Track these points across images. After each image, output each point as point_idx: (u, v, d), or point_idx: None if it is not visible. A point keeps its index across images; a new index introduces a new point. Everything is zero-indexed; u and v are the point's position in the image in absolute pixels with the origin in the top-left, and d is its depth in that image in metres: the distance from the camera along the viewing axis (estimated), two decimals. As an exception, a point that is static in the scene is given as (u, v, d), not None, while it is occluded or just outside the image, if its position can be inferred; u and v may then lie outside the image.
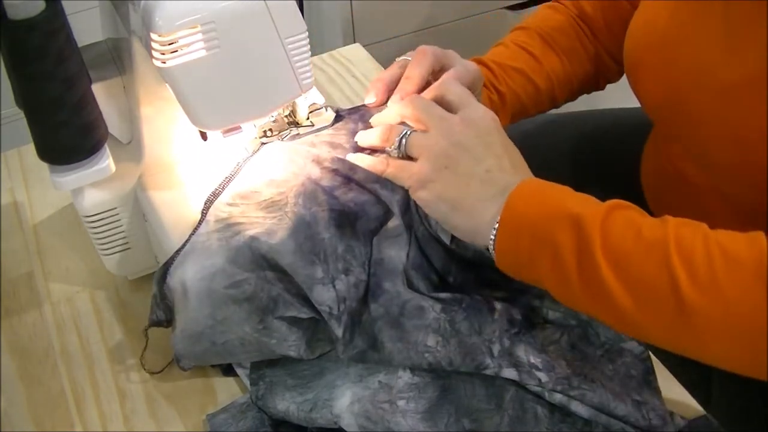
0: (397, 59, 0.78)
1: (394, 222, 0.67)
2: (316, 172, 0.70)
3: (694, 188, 0.80)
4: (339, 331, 0.62)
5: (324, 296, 0.63)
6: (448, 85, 0.71)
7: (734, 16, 0.66)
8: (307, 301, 0.64)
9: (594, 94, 1.01)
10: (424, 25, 1.68)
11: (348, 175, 0.69)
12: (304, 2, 1.74)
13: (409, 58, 0.76)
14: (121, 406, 0.69)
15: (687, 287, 0.54)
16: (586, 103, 1.15)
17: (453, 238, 0.68)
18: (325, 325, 0.64)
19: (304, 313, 0.64)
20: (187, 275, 0.64)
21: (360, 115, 0.76)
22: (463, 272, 0.70)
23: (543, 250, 0.60)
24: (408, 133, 0.68)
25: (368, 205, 0.66)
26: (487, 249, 0.64)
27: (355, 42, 1.61)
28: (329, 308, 0.62)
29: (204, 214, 0.68)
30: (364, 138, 0.72)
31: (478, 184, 0.64)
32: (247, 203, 0.68)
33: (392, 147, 0.68)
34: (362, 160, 0.70)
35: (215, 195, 0.69)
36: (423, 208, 0.67)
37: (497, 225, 0.62)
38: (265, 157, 0.72)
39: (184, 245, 0.66)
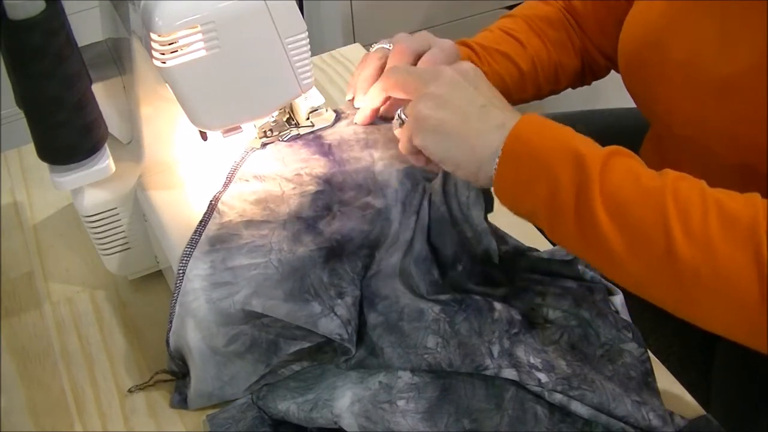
0: (374, 47, 0.77)
1: (394, 226, 0.67)
2: (295, 202, 0.67)
3: None
4: (354, 350, 0.64)
5: (330, 327, 0.63)
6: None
7: (729, 14, 0.67)
8: (308, 332, 0.64)
9: (594, 94, 1.01)
10: (424, 25, 1.68)
11: (335, 196, 0.67)
12: (304, 2, 1.74)
13: (386, 46, 0.76)
14: (121, 406, 0.69)
15: (679, 237, 0.55)
16: (585, 103, 1.15)
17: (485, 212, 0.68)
18: (330, 341, 0.64)
19: (308, 343, 0.65)
20: (189, 336, 0.64)
21: (314, 137, 0.74)
22: (472, 263, 0.70)
23: (542, 180, 0.60)
24: (403, 107, 0.68)
25: (354, 232, 0.66)
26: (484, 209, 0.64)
27: (355, 42, 1.61)
28: (339, 335, 0.63)
29: (181, 275, 0.64)
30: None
31: (476, 118, 0.63)
32: (228, 248, 0.65)
33: (396, 122, 0.68)
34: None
35: (192, 245, 0.65)
36: (427, 153, 0.65)
37: (499, 155, 0.61)
38: (238, 191, 0.69)
39: (173, 308, 0.64)
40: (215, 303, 0.63)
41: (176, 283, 0.64)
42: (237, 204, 0.68)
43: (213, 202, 0.68)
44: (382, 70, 0.75)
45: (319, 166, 0.70)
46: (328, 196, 0.68)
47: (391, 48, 0.76)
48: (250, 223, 0.66)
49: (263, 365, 0.65)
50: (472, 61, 0.84)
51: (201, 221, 0.67)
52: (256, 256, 0.64)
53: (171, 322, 0.65)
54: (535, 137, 0.61)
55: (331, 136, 0.73)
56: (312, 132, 0.74)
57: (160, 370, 0.69)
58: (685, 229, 0.55)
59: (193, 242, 0.65)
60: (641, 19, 0.78)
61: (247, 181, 0.69)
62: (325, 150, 0.72)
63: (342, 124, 0.75)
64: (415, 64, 0.74)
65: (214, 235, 0.66)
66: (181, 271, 0.64)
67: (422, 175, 0.71)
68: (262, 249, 0.65)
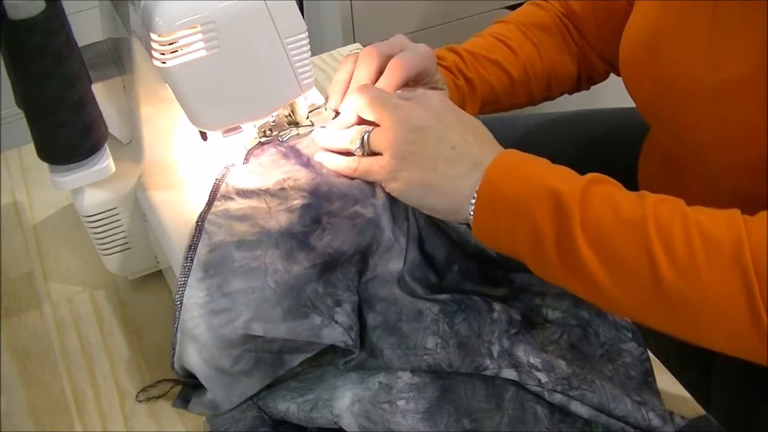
0: (348, 54, 0.76)
1: (386, 234, 0.67)
2: (284, 217, 0.66)
3: (688, 184, 0.80)
4: (358, 351, 0.64)
5: (333, 335, 0.63)
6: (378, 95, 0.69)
7: (721, 19, 0.66)
8: (311, 342, 0.64)
9: (594, 94, 1.00)
10: (424, 25, 1.67)
11: (322, 207, 0.67)
12: (304, 2, 1.74)
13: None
14: (121, 406, 0.69)
15: (665, 267, 0.55)
16: (585, 102, 1.15)
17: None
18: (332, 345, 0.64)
19: (313, 352, 0.65)
20: (192, 361, 0.64)
21: (290, 148, 0.73)
22: (467, 261, 0.70)
23: (521, 225, 0.60)
24: (370, 130, 0.68)
25: (346, 244, 0.65)
26: (469, 225, 0.64)
27: (355, 42, 1.61)
28: (344, 342, 0.63)
29: (179, 305, 0.64)
30: (327, 140, 0.71)
31: (446, 163, 0.64)
32: (222, 272, 0.64)
33: (356, 147, 0.68)
34: (332, 161, 0.69)
35: (186, 273, 0.64)
36: (399, 198, 0.67)
37: (474, 200, 0.62)
38: (223, 209, 0.68)
39: (175, 336, 0.64)
40: (216, 330, 0.63)
41: (175, 314, 0.64)
42: (224, 222, 0.67)
43: (199, 223, 0.67)
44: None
45: (301, 176, 0.69)
46: (316, 208, 0.67)
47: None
48: (241, 244, 0.65)
49: (269, 381, 0.66)
50: (458, 68, 0.83)
51: (190, 245, 0.66)
52: (252, 280, 0.64)
53: (174, 348, 0.65)
54: (508, 183, 0.61)
55: (307, 149, 0.72)
56: (284, 142, 0.73)
57: (180, 379, 0.68)
58: (670, 259, 0.55)
59: (185, 270, 0.64)
60: (640, 22, 0.78)
61: (231, 198, 0.68)
62: (304, 161, 0.71)
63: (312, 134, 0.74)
64: (384, 65, 0.73)
65: (206, 260, 0.65)
66: (178, 302, 0.64)
67: None
68: (257, 271, 0.64)
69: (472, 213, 0.62)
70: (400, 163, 0.65)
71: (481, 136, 0.66)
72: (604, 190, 0.59)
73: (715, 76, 0.66)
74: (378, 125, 0.68)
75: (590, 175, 0.60)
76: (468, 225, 0.65)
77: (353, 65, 0.74)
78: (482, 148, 0.65)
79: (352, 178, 0.69)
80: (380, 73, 0.73)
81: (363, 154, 0.68)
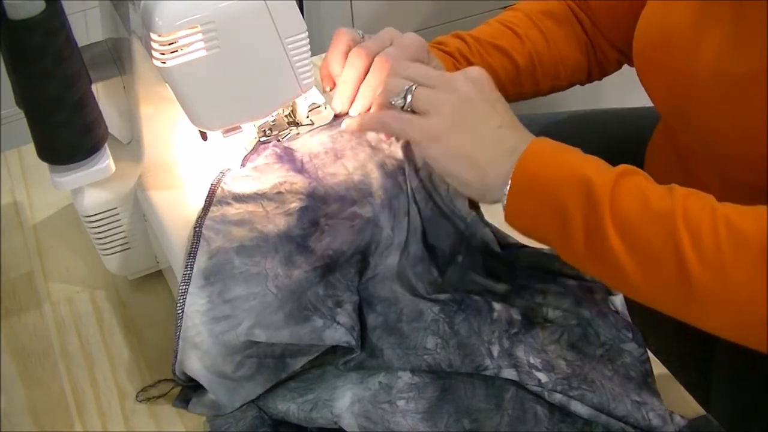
0: (350, 30, 0.74)
1: (385, 232, 0.67)
2: (282, 221, 0.66)
3: (699, 176, 0.80)
4: (360, 351, 0.64)
5: (336, 336, 0.63)
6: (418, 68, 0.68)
7: (745, 15, 0.67)
8: (311, 345, 0.64)
9: (597, 93, 1.00)
10: (424, 25, 1.67)
11: (320, 210, 0.67)
12: (304, 2, 1.74)
13: (359, 32, 0.74)
14: (121, 406, 0.69)
15: (692, 260, 0.55)
16: (587, 102, 1.15)
17: (470, 205, 0.68)
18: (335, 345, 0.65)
19: (315, 353, 0.65)
20: (195, 367, 0.64)
21: (284, 150, 0.72)
22: (471, 253, 0.70)
23: (552, 211, 0.60)
24: (414, 87, 0.65)
25: (345, 245, 0.65)
26: (478, 215, 0.64)
27: (355, 42, 1.61)
28: (347, 342, 0.63)
29: (180, 314, 0.64)
30: (357, 78, 0.70)
31: (491, 141, 0.63)
32: (223, 279, 0.64)
33: (398, 98, 0.65)
34: (363, 118, 0.68)
35: (186, 281, 0.64)
36: (432, 164, 0.65)
37: (509, 185, 0.61)
38: (220, 214, 0.67)
39: (177, 345, 0.64)
40: (218, 337, 0.63)
41: (177, 322, 0.64)
42: (222, 228, 0.66)
43: (197, 229, 0.66)
44: (347, 54, 0.73)
45: (297, 180, 0.69)
46: (313, 211, 0.67)
47: (359, 32, 0.74)
48: (241, 250, 0.65)
49: (272, 385, 0.66)
50: (462, 54, 0.83)
51: (189, 253, 0.65)
52: (253, 286, 0.64)
53: (176, 357, 0.65)
54: (542, 168, 0.61)
55: (301, 149, 0.72)
56: (280, 142, 0.73)
57: (180, 382, 0.68)
58: (697, 253, 0.55)
59: (186, 278, 0.64)
60: (656, 19, 0.77)
61: (228, 203, 0.68)
62: (299, 167, 0.71)
63: (306, 135, 0.74)
64: (371, 64, 0.73)
65: (206, 267, 0.64)
66: (180, 311, 0.64)
67: (401, 174, 0.70)
68: (258, 277, 0.64)
69: (505, 197, 0.61)
70: (446, 129, 0.63)
71: (515, 120, 0.66)
72: (634, 182, 0.59)
73: (736, 68, 0.66)
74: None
75: (621, 167, 0.60)
76: (477, 214, 0.65)
77: (343, 49, 0.73)
78: (519, 131, 0.64)
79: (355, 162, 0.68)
80: (368, 71, 0.73)
81: (402, 109, 0.65)
